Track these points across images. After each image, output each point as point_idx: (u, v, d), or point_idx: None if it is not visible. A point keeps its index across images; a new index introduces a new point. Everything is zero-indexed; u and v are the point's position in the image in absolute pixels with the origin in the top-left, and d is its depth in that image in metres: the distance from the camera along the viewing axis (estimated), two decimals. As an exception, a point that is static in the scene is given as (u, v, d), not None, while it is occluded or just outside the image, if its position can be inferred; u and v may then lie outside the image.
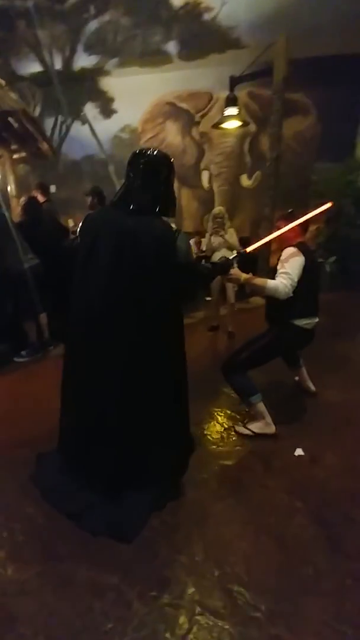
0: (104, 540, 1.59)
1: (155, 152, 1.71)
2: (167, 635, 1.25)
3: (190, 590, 1.40)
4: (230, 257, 2.07)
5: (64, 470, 1.91)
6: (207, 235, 4.08)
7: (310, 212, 2.22)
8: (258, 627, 1.27)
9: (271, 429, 2.24)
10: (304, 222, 2.22)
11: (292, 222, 2.23)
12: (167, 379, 1.76)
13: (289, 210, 2.37)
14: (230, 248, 3.81)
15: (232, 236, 3.90)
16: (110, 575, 1.45)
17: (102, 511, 1.70)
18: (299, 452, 2.11)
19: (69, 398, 1.89)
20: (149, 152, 1.70)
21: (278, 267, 2.19)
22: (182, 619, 1.30)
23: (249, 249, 2.11)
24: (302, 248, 2.20)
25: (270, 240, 2.28)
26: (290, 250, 2.18)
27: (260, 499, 1.82)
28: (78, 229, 1.83)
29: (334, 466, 2.02)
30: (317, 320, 2.31)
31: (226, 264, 2.07)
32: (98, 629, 1.27)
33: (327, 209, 2.21)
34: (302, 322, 2.24)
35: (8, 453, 2.17)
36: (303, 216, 2.25)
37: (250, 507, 1.77)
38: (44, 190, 4.12)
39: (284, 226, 2.24)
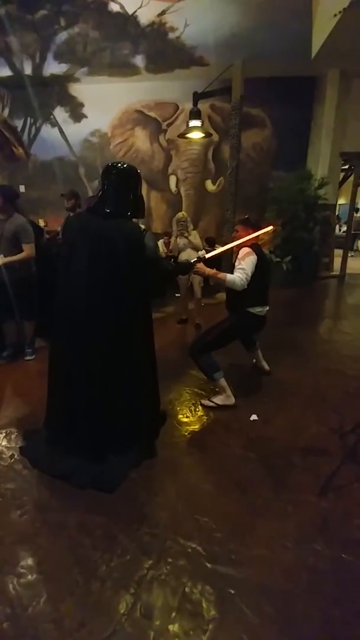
0: (91, 492, 1.86)
1: (125, 165, 2.01)
2: (146, 557, 1.54)
3: (165, 521, 1.71)
4: (192, 260, 2.40)
5: (50, 442, 2.15)
6: (173, 237, 4.40)
7: (262, 227, 2.66)
8: (219, 544, 1.60)
9: (231, 400, 2.61)
10: (256, 228, 2.64)
11: (247, 225, 2.63)
12: (140, 361, 2.06)
13: (245, 216, 2.76)
14: (195, 248, 4.15)
15: (195, 237, 4.23)
16: (98, 516, 1.73)
17: (88, 470, 1.96)
18: (253, 417, 2.50)
19: (56, 380, 2.12)
20: (119, 165, 2.00)
21: (236, 264, 2.57)
22: (158, 543, 1.60)
23: (207, 255, 2.43)
24: (255, 249, 2.58)
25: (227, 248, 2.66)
26: (245, 250, 2.55)
27: (221, 453, 2.18)
28: (60, 229, 2.09)
29: (281, 426, 2.43)
30: (267, 308, 2.71)
31: (188, 265, 2.42)
32: (88, 559, 1.53)
33: (272, 230, 2.62)
34: (256, 310, 2.64)
35: (-4, 432, 2.37)
36: (258, 220, 2.71)
37: (213, 459, 2.13)
38: None
39: (241, 229, 2.64)
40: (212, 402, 2.63)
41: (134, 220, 2.01)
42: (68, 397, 2.06)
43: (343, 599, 1.39)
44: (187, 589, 1.42)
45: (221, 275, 2.50)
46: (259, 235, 2.59)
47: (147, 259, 1.93)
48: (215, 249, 2.59)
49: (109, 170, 1.96)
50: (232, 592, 1.41)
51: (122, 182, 1.96)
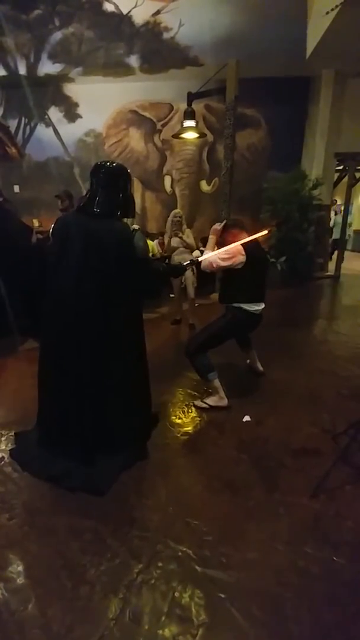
0: (81, 495, 1.85)
1: (113, 164, 1.98)
2: (136, 561, 1.52)
3: (155, 524, 1.69)
4: (185, 263, 2.39)
5: (41, 444, 2.13)
6: (166, 236, 4.35)
7: (257, 232, 2.62)
8: (210, 547, 1.59)
9: (224, 402, 2.61)
10: (238, 225, 2.64)
11: (235, 229, 2.62)
12: (131, 362, 2.04)
13: (232, 219, 2.79)
14: (188, 248, 4.11)
15: (189, 236, 4.19)
16: (88, 520, 1.71)
17: (78, 472, 1.94)
18: (246, 418, 2.50)
19: (46, 381, 2.10)
20: (108, 164, 1.97)
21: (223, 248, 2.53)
22: (148, 547, 1.58)
23: (201, 258, 2.45)
24: (247, 247, 2.53)
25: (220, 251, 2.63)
26: (237, 247, 2.51)
27: (214, 454, 2.17)
28: (50, 231, 2.07)
29: (273, 427, 2.42)
30: (262, 306, 2.69)
31: (180, 267, 2.43)
32: (77, 563, 1.51)
33: (266, 234, 2.59)
34: (250, 307, 2.62)
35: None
36: (246, 221, 2.72)
37: (205, 461, 2.12)
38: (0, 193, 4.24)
39: (231, 234, 2.63)
40: (205, 403, 2.62)
41: (124, 220, 1.99)
42: (58, 398, 2.05)
43: (334, 602, 1.39)
44: (176, 594, 1.40)
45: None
46: (253, 239, 2.57)
47: (136, 260, 1.92)
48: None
49: (97, 170, 1.94)
50: (223, 596, 1.40)
51: (111, 182, 1.94)
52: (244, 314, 2.62)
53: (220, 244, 2.63)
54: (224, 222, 2.76)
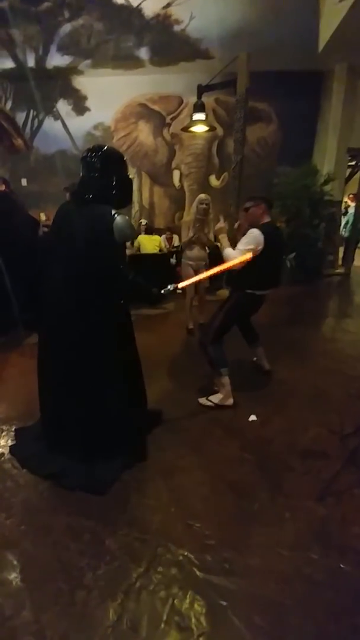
0: (80, 494, 1.80)
1: (104, 148, 1.86)
2: (135, 564, 1.47)
3: (156, 526, 1.64)
4: (162, 291, 2.03)
5: (41, 440, 2.09)
6: (190, 228, 3.83)
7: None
8: (212, 552, 1.53)
9: (230, 400, 2.54)
10: (268, 202, 2.57)
11: (254, 204, 2.56)
12: (116, 361, 1.94)
13: (252, 196, 2.69)
14: (204, 246, 3.83)
15: (210, 231, 3.78)
16: (86, 520, 1.67)
17: (78, 471, 1.90)
18: (252, 417, 2.43)
19: (43, 375, 2.05)
20: (97, 148, 1.86)
21: (239, 239, 2.46)
22: (149, 550, 1.53)
23: (180, 285, 2.11)
24: (265, 229, 2.42)
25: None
26: (253, 231, 2.42)
27: (218, 454, 2.11)
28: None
29: (279, 427, 2.35)
30: (268, 290, 2.61)
31: (155, 294, 2.03)
32: (74, 566, 1.47)
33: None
34: (256, 292, 2.56)
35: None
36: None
37: (208, 461, 2.06)
38: (7, 185, 4.23)
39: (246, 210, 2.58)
40: (210, 401, 2.56)
41: (122, 204, 1.90)
42: (55, 393, 2.01)
43: (339, 612, 1.32)
44: (176, 600, 1.35)
45: (225, 244, 2.47)
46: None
47: (110, 247, 1.78)
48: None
49: (87, 154, 1.84)
50: (224, 603, 1.34)
51: (101, 167, 1.82)
52: (249, 296, 2.56)
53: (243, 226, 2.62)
54: (224, 220, 2.74)
